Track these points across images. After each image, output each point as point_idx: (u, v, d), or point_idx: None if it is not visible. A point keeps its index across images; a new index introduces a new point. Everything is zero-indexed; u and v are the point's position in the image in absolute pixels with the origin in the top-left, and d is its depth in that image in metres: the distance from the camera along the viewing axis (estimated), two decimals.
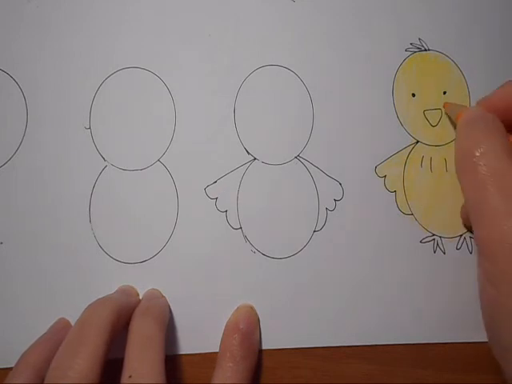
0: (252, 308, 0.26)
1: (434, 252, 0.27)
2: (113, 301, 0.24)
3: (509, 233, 0.20)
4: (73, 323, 0.23)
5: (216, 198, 0.27)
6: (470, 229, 0.27)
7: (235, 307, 0.26)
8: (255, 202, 0.27)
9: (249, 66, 0.28)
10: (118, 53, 0.28)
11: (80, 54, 0.28)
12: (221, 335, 0.26)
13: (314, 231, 0.27)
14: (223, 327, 0.26)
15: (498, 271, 0.21)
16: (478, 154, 0.22)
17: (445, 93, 0.29)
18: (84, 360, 0.20)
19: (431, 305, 0.27)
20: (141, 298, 0.26)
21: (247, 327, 0.25)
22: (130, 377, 0.21)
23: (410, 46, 0.29)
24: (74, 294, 0.26)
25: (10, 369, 0.23)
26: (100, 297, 0.24)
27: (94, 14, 0.28)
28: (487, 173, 0.21)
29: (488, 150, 0.22)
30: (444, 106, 0.28)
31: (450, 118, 0.28)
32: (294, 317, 0.27)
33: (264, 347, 0.26)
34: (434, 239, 0.28)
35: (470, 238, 0.28)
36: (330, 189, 0.28)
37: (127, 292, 0.26)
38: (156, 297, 0.26)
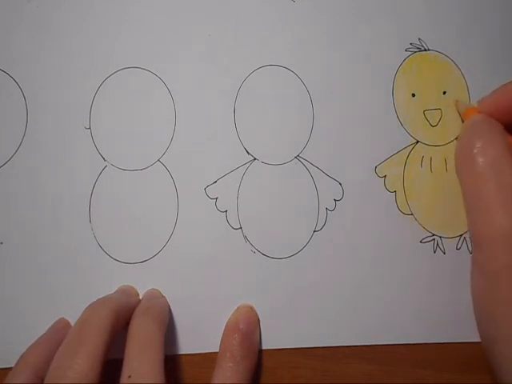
0: (252, 308, 0.26)
1: (434, 252, 0.27)
2: (113, 301, 0.24)
3: (502, 226, 0.21)
4: (73, 323, 0.23)
5: (216, 198, 0.27)
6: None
7: (235, 307, 0.26)
8: (255, 202, 0.27)
9: (249, 66, 0.28)
10: (118, 53, 0.28)
11: (80, 53, 0.28)
12: (221, 335, 0.26)
13: (314, 231, 0.27)
14: (223, 327, 0.26)
15: (489, 263, 0.21)
16: (478, 146, 0.22)
17: (445, 93, 0.29)
18: (84, 360, 0.20)
19: (431, 305, 0.27)
20: (141, 298, 0.26)
21: (247, 327, 0.25)
22: (130, 377, 0.21)
23: (410, 46, 0.29)
24: (74, 294, 0.26)
25: (10, 369, 0.23)
26: (100, 297, 0.24)
27: (94, 13, 0.28)
28: (486, 166, 0.22)
29: (488, 145, 0.22)
30: (455, 105, 0.28)
31: (460, 115, 0.28)
32: (294, 317, 0.27)
33: (264, 347, 0.26)
34: (433, 239, 0.28)
35: (470, 238, 0.28)
36: (330, 189, 0.28)
37: (127, 292, 0.26)
38: (156, 297, 0.26)
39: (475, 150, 0.22)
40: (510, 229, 0.21)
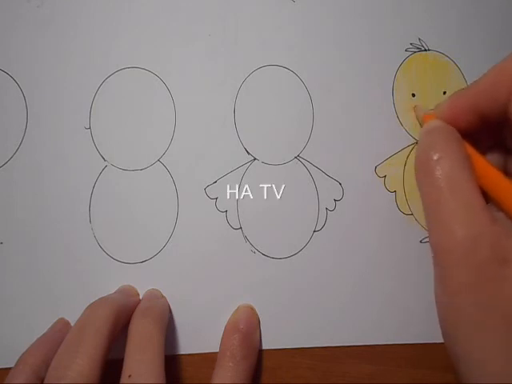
0: (252, 308, 0.26)
1: None
2: (113, 301, 0.24)
3: (460, 241, 0.20)
4: (73, 323, 0.23)
5: (216, 198, 0.27)
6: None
7: (235, 307, 0.26)
8: (255, 202, 0.27)
9: (249, 66, 0.28)
10: (118, 53, 0.28)
11: (80, 53, 0.28)
12: (221, 335, 0.26)
13: (314, 231, 0.27)
14: (223, 327, 0.26)
15: (450, 278, 0.20)
16: (435, 159, 0.22)
17: (445, 93, 0.29)
18: (84, 360, 0.20)
19: (431, 305, 0.27)
20: (141, 298, 0.26)
21: (247, 327, 0.25)
22: (130, 376, 0.21)
23: (410, 46, 0.29)
24: (74, 294, 0.26)
25: (10, 369, 0.23)
26: (100, 297, 0.24)
27: (94, 13, 0.28)
28: (443, 179, 0.21)
29: (445, 156, 0.22)
30: (414, 110, 0.28)
31: (418, 121, 0.28)
32: (293, 317, 0.27)
33: (264, 347, 0.26)
34: None
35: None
36: (330, 189, 0.28)
37: (127, 292, 0.26)
38: (156, 297, 0.26)
39: (432, 163, 0.22)
40: (469, 244, 0.20)
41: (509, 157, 0.24)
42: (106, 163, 0.27)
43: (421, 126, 0.28)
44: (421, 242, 0.28)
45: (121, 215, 0.27)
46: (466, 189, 0.21)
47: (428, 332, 0.27)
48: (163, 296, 0.26)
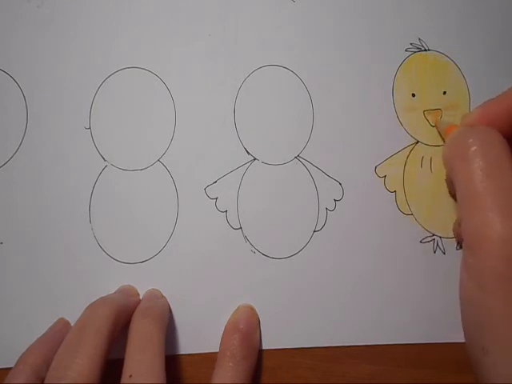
0: (252, 308, 0.26)
1: (434, 252, 0.27)
2: (113, 301, 0.24)
3: (499, 228, 0.19)
4: (73, 323, 0.23)
5: (216, 198, 0.27)
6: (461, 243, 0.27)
7: (235, 307, 0.26)
8: (255, 202, 0.27)
9: (249, 66, 0.28)
10: (118, 53, 0.28)
11: (80, 53, 0.28)
12: (221, 335, 0.26)
13: (314, 231, 0.27)
14: (223, 327, 0.26)
15: (483, 267, 0.20)
16: (475, 147, 0.21)
17: (445, 93, 0.29)
18: (84, 360, 0.20)
19: (431, 305, 0.27)
20: (141, 298, 0.26)
21: (247, 327, 0.25)
22: (131, 376, 0.21)
23: (410, 46, 0.29)
24: (74, 294, 0.26)
25: (10, 369, 0.23)
26: (100, 297, 0.24)
27: (94, 13, 0.28)
28: (485, 167, 0.21)
29: (487, 143, 0.21)
30: (436, 124, 0.28)
31: (440, 134, 0.28)
32: (293, 317, 0.27)
33: (264, 347, 0.26)
34: (433, 239, 0.28)
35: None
36: (330, 189, 0.28)
37: (127, 292, 0.26)
38: (156, 297, 0.26)
39: (472, 150, 0.21)
40: (506, 234, 0.20)
41: None
42: (105, 163, 0.27)
43: (443, 138, 0.28)
44: (421, 241, 0.28)
45: (121, 215, 0.27)
46: (508, 179, 0.20)
47: (428, 332, 0.27)
48: (163, 296, 0.26)
